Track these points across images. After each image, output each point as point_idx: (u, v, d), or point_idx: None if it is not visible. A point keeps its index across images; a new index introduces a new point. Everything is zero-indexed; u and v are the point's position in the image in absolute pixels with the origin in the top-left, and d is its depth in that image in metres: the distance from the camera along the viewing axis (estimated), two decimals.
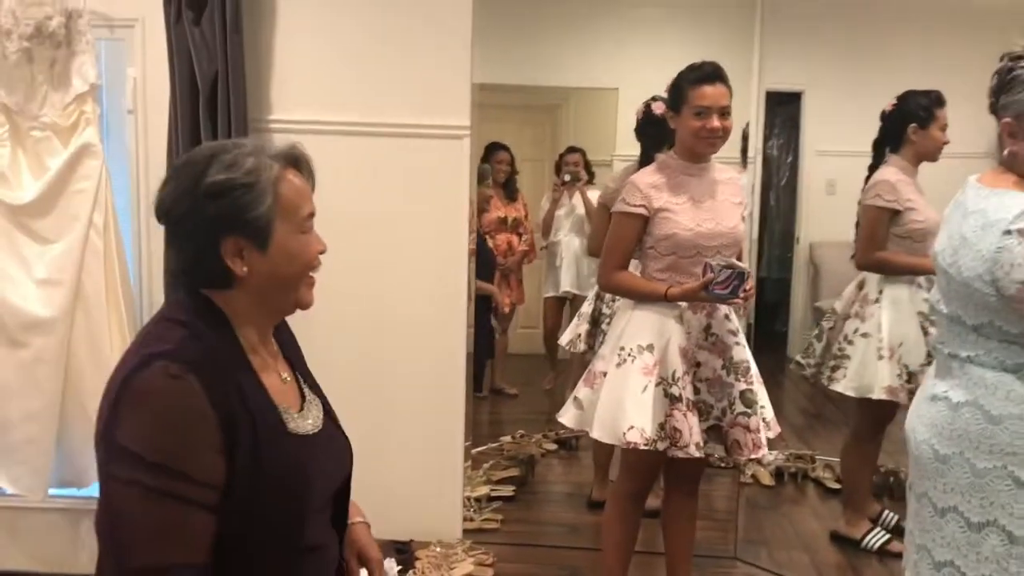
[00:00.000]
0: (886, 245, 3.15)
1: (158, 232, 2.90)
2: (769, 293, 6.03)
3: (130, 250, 3.01)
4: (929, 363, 2.91)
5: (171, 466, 1.14)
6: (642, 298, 2.51)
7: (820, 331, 3.43)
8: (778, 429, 2.59)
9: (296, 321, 1.46)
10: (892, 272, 3.17)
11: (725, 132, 2.50)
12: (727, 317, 2.55)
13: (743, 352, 2.55)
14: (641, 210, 2.47)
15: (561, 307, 5.14)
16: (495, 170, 4.76)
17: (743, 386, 2.51)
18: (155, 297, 3.02)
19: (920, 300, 3.09)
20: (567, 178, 5.00)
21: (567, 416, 2.61)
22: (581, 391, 2.59)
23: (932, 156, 3.20)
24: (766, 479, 3.94)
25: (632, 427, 2.38)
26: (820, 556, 3.26)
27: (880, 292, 3.18)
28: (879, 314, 3.16)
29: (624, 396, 2.43)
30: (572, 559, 3.17)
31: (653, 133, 3.28)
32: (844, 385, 3.20)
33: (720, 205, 2.53)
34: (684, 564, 2.75)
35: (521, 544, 3.26)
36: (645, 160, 3.11)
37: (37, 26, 2.72)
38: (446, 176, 3.08)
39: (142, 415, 1.15)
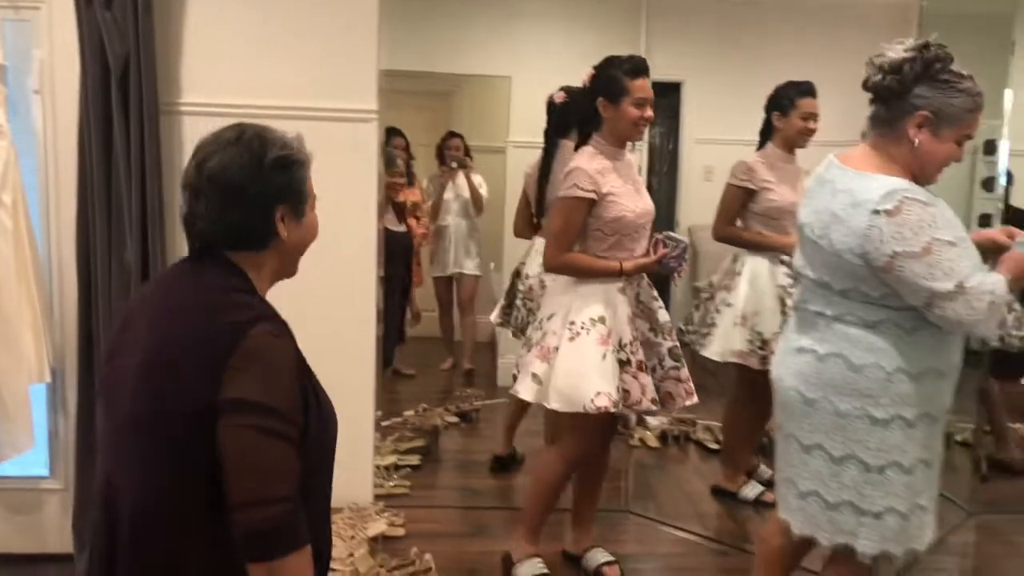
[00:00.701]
0: (736, 220, 3.44)
1: (68, 210, 2.95)
2: (652, 274, 6.40)
3: (39, 228, 3.03)
4: None
5: (283, 412, 1.31)
6: (596, 275, 2.67)
7: (699, 302, 3.73)
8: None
9: None
10: (739, 245, 3.47)
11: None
12: (650, 286, 2.82)
13: (666, 315, 2.82)
14: (592, 195, 2.62)
15: (450, 287, 5.37)
16: (391, 155, 4.89)
17: (670, 343, 2.80)
18: (65, 274, 3.04)
19: (781, 274, 3.39)
20: (454, 164, 5.20)
21: (527, 392, 2.69)
22: (537, 367, 2.68)
23: (795, 142, 3.44)
24: (652, 442, 4.25)
25: (599, 393, 2.55)
26: (702, 507, 3.58)
27: (743, 265, 3.48)
28: (740, 285, 3.46)
29: (585, 366, 2.59)
30: (478, 518, 3.39)
31: (557, 121, 3.52)
32: (710, 350, 3.49)
33: (640, 186, 2.81)
34: (592, 513, 3.01)
35: (430, 506, 3.45)
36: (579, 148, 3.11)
37: None
38: (354, 159, 3.20)
39: (257, 371, 1.31)
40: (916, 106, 1.94)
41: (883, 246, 1.87)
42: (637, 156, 3.79)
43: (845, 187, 1.96)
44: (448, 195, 5.31)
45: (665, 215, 7.89)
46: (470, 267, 5.31)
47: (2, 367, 2.89)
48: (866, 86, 2.01)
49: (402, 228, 4.93)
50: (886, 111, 1.99)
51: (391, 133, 4.90)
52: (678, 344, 2.85)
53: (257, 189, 1.40)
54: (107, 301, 2.97)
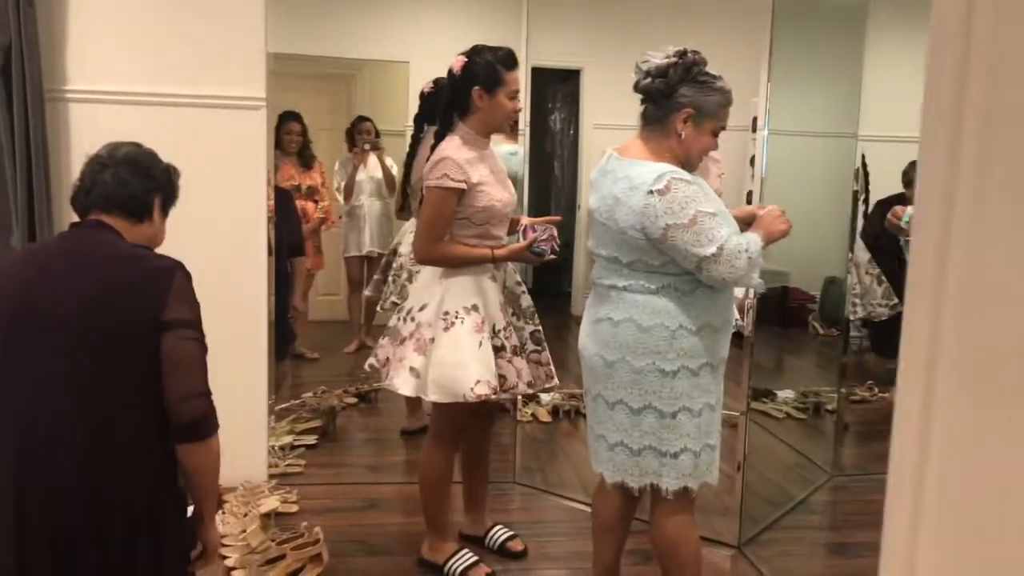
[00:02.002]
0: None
1: None
2: (524, 260, 6.63)
3: None
4: None
5: (201, 327, 1.77)
6: (468, 263, 2.70)
7: None
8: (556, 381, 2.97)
9: None
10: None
11: None
12: (515, 272, 2.93)
13: (528, 300, 2.94)
14: (462, 185, 2.63)
15: (362, 266, 5.44)
16: (287, 140, 4.93)
17: (531, 327, 2.91)
18: None
19: None
20: (367, 147, 5.28)
21: (405, 387, 2.70)
22: (414, 360, 2.69)
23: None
24: (544, 416, 4.44)
25: (479, 381, 2.61)
26: (587, 475, 3.76)
27: None
28: None
29: (462, 356, 2.62)
30: (372, 492, 3.51)
31: (426, 109, 3.65)
32: None
33: (503, 176, 2.84)
34: (483, 494, 3.14)
35: (323, 483, 3.56)
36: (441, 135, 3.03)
37: None
38: (243, 146, 3.27)
39: (185, 299, 1.75)
40: (680, 104, 2.23)
41: (658, 220, 2.15)
42: (520, 144, 3.94)
43: (624, 174, 2.24)
44: (360, 176, 5.38)
45: (567, 199, 8.09)
46: (384, 246, 5.41)
47: None
48: (637, 88, 2.28)
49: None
50: (655, 109, 2.27)
51: (287, 117, 4.94)
52: (540, 328, 2.95)
53: (153, 174, 1.87)
54: None
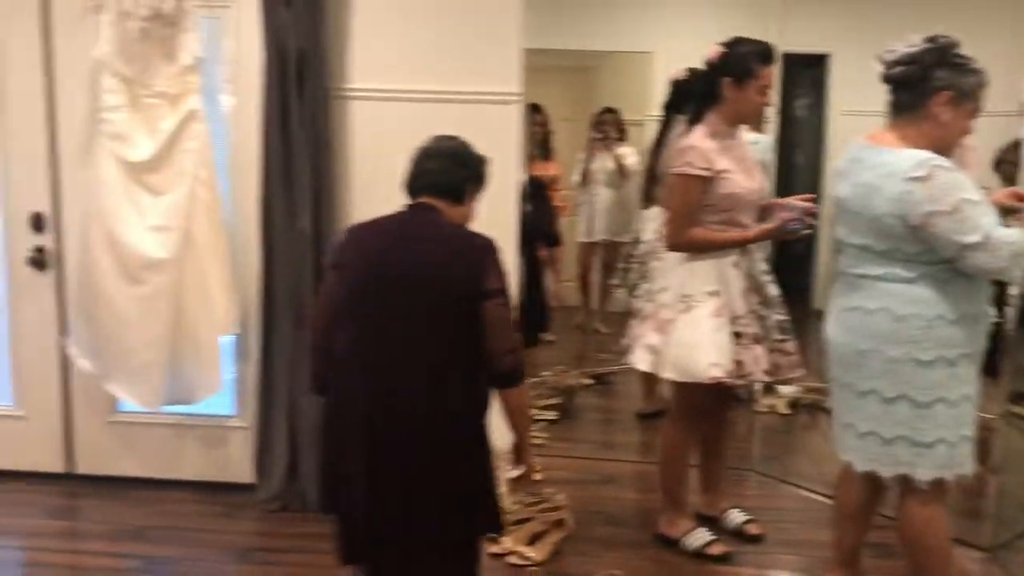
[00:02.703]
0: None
1: (252, 184, 3.34)
2: (794, 245, 6.48)
3: (228, 200, 3.47)
4: None
5: (508, 294, 2.08)
6: (720, 247, 2.77)
7: None
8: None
9: None
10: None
11: None
12: (762, 260, 2.96)
13: (774, 289, 2.96)
14: (707, 172, 2.72)
15: (593, 252, 5.65)
16: (530, 132, 5.17)
17: (778, 316, 2.93)
18: (249, 240, 3.47)
19: None
20: (598, 136, 5.47)
21: (642, 363, 2.86)
22: (652, 338, 2.83)
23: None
24: (783, 409, 4.40)
25: (713, 363, 2.70)
26: (826, 468, 3.71)
27: None
28: None
29: (699, 338, 2.72)
30: (609, 468, 3.67)
31: (675, 97, 3.71)
32: None
33: (753, 164, 2.90)
34: (720, 476, 3.21)
35: (564, 456, 3.75)
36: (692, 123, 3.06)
37: (154, 9, 3.18)
38: (497, 140, 3.46)
39: (499, 271, 2.04)
40: (937, 87, 2.21)
41: (918, 207, 2.14)
42: (765, 133, 3.92)
43: (878, 161, 2.23)
44: (595, 166, 5.58)
45: (808, 188, 7.87)
46: (616, 233, 5.59)
47: (198, 319, 3.37)
48: (886, 78, 2.27)
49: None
50: (909, 96, 2.25)
51: (531, 109, 5.17)
52: (786, 317, 2.96)
53: (468, 164, 2.20)
54: (284, 264, 3.38)
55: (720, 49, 2.80)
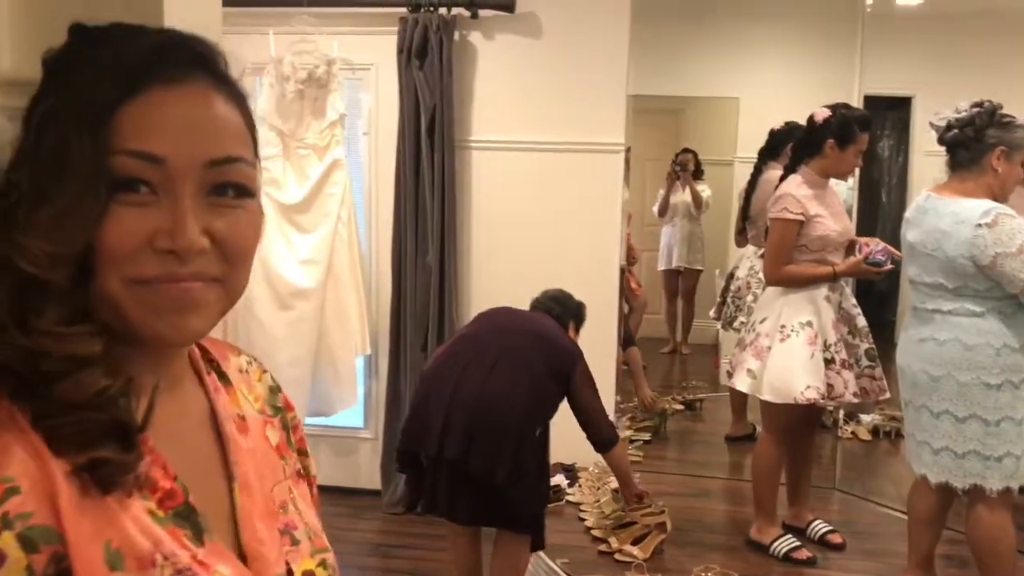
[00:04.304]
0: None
1: (386, 223, 3.78)
2: (880, 283, 6.70)
3: (364, 236, 3.95)
4: None
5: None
6: (812, 281, 3.11)
7: None
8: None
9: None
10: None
11: None
12: (851, 294, 3.29)
13: (863, 320, 3.29)
14: (800, 217, 3.08)
15: (675, 279, 6.04)
16: None
17: (866, 345, 3.26)
18: (382, 271, 3.92)
19: None
20: (677, 168, 5.88)
21: (742, 384, 3.23)
22: (752, 363, 3.18)
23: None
24: (864, 435, 4.66)
25: (808, 387, 3.04)
26: (904, 488, 3.95)
27: None
28: None
29: (795, 364, 3.06)
30: (702, 484, 4.00)
31: (772, 145, 4.08)
32: None
33: (840, 209, 3.28)
34: (806, 490, 3.53)
35: (660, 472, 4.10)
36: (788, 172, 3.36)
37: (309, 73, 3.69)
38: (602, 187, 3.86)
39: (584, 370, 2.70)
40: (991, 144, 2.56)
41: (987, 249, 2.48)
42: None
43: (948, 210, 2.58)
44: (674, 199, 5.98)
45: (892, 227, 8.04)
46: (692, 262, 5.97)
47: (337, 341, 3.83)
48: (943, 141, 2.63)
49: None
50: (967, 154, 2.60)
51: None
52: (874, 346, 3.29)
53: (571, 305, 2.96)
54: (413, 293, 3.83)
55: (827, 112, 3.17)
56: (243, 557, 0.75)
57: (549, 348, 2.67)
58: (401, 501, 3.84)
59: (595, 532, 3.36)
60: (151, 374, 0.73)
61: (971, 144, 2.61)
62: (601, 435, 2.74)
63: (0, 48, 1.12)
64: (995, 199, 2.58)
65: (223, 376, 0.84)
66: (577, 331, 2.95)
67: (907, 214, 2.78)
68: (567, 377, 2.66)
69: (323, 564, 0.82)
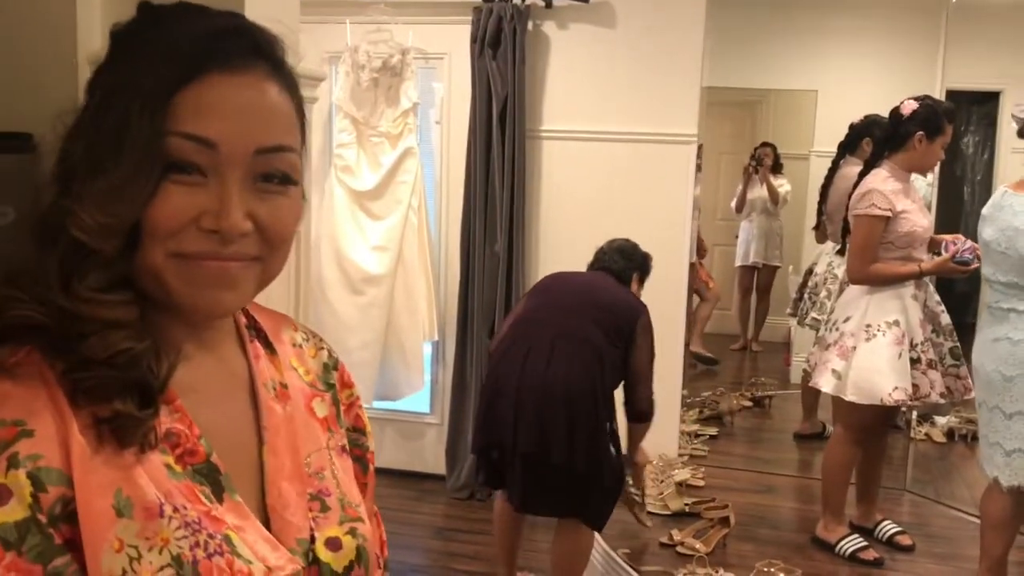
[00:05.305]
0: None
1: (456, 211, 3.82)
2: (960, 284, 6.52)
3: (434, 224, 3.99)
4: None
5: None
6: (898, 280, 3.03)
7: None
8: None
9: None
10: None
11: None
12: (935, 292, 3.21)
13: (947, 318, 3.20)
14: (888, 213, 3.01)
15: (751, 275, 5.95)
16: None
17: (951, 344, 3.18)
18: (451, 259, 3.97)
19: None
20: (753, 163, 5.79)
21: (827, 385, 3.13)
22: (837, 363, 3.09)
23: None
24: (938, 437, 4.54)
25: (896, 387, 2.97)
26: (978, 492, 3.85)
27: None
28: None
29: (882, 364, 2.98)
30: (768, 480, 3.95)
31: (852, 138, 4.01)
32: None
33: (923, 205, 3.19)
34: (875, 490, 3.46)
35: (725, 467, 4.06)
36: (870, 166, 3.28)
37: (383, 61, 3.74)
38: (674, 176, 3.84)
39: (649, 325, 2.70)
40: None
41: None
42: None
43: (1023, 207, 2.48)
44: (752, 195, 5.89)
45: (975, 224, 7.81)
46: (770, 258, 5.89)
47: (406, 326, 3.89)
48: (1022, 133, 2.58)
49: None
50: None
51: None
52: (958, 344, 3.20)
53: (637, 257, 2.91)
54: (481, 281, 3.86)
55: (914, 104, 3.09)
56: (267, 519, 0.77)
57: (609, 315, 2.66)
58: (466, 486, 3.90)
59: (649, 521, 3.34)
60: (189, 340, 0.78)
61: None
62: (640, 404, 2.74)
63: (92, 29, 1.18)
64: None
65: (268, 345, 0.87)
66: (641, 283, 2.93)
67: (984, 211, 2.70)
68: (631, 333, 2.66)
69: (352, 532, 0.82)
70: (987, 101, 6.67)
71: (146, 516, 0.68)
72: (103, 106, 0.72)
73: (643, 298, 2.92)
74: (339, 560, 0.80)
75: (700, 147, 5.59)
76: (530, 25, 3.76)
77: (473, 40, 3.75)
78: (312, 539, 0.79)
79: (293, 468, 0.81)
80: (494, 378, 2.65)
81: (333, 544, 0.80)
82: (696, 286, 5.73)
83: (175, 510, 0.69)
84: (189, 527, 0.69)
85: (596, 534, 2.75)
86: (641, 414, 2.75)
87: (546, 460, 2.46)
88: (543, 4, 3.74)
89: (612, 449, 2.60)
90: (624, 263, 2.85)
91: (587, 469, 2.47)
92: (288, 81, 0.78)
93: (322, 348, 0.95)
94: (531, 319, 2.70)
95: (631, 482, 2.99)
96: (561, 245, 3.84)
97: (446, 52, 3.90)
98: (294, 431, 0.83)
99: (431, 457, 4.12)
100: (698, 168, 5.76)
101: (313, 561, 0.78)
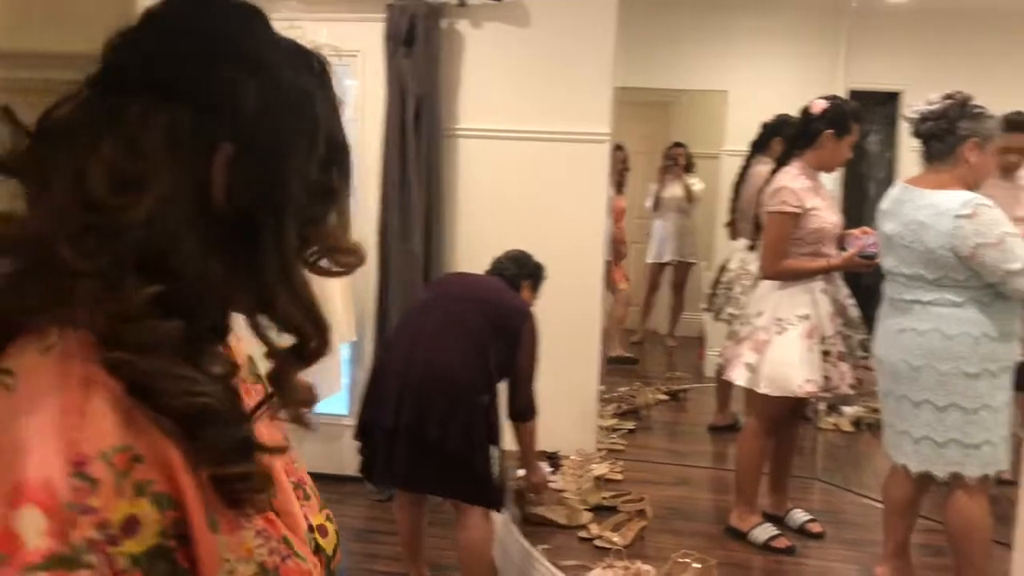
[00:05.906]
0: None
1: (371, 208, 3.77)
2: (867, 277, 6.74)
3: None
4: None
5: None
6: (809, 275, 3.12)
7: None
8: None
9: None
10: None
11: None
12: (844, 285, 3.30)
13: (856, 311, 3.30)
14: (798, 210, 3.08)
15: (660, 273, 6.08)
16: (612, 168, 5.56)
17: (860, 336, 3.27)
18: (367, 261, 3.93)
19: None
20: (668, 162, 5.93)
21: (740, 378, 3.21)
22: (750, 356, 3.17)
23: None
24: (846, 427, 4.69)
25: (808, 379, 3.06)
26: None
27: None
28: None
29: (793, 357, 3.07)
30: (683, 472, 4.03)
31: (763, 138, 4.12)
32: None
33: (831, 202, 3.29)
34: (786, 479, 3.55)
35: (641, 460, 4.12)
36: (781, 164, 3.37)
37: None
38: (587, 175, 3.87)
39: (532, 328, 2.80)
40: (964, 136, 2.57)
41: (967, 240, 2.49)
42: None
43: (926, 202, 2.59)
44: (666, 194, 6.01)
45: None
46: (685, 255, 6.01)
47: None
48: (918, 134, 2.64)
49: None
50: (940, 145, 2.61)
51: (613, 147, 5.57)
52: (868, 336, 3.29)
53: (529, 265, 3.01)
54: (397, 281, 3.83)
55: (824, 103, 3.17)
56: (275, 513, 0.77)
57: (495, 309, 2.78)
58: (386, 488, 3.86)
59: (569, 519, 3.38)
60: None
61: (944, 136, 2.63)
62: (521, 403, 2.84)
63: None
64: (969, 190, 2.60)
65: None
66: (534, 291, 3.04)
67: (882, 206, 2.79)
68: (516, 335, 2.77)
69: (329, 518, 0.84)
70: (889, 101, 6.92)
71: (230, 529, 0.67)
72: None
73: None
74: (328, 546, 0.81)
75: (619, 148, 5.68)
76: (444, 24, 3.76)
77: (387, 38, 3.73)
78: (311, 528, 0.80)
79: (281, 459, 0.80)
80: (382, 361, 2.77)
81: (321, 531, 0.81)
82: (609, 286, 5.81)
83: (248, 519, 0.69)
84: (260, 535, 0.70)
85: (507, 526, 2.80)
86: (521, 412, 2.86)
87: (422, 435, 2.53)
88: (456, 2, 3.73)
89: (488, 440, 2.66)
90: (516, 270, 2.99)
91: (458, 448, 2.54)
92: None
93: (240, 340, 0.93)
94: (422, 308, 2.87)
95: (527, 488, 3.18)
96: (478, 243, 3.83)
97: (359, 49, 3.85)
98: (267, 423, 0.82)
99: (350, 459, 4.04)
100: (626, 170, 5.88)
101: (316, 550, 0.79)
